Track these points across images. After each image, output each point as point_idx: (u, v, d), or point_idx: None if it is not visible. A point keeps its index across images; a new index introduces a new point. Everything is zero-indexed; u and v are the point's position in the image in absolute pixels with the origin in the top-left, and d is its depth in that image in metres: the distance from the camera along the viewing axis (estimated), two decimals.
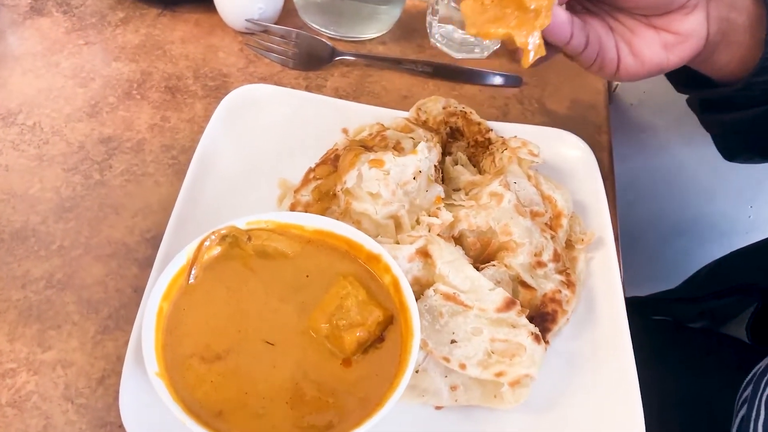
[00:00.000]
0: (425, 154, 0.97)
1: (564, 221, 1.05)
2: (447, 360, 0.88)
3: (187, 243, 0.97)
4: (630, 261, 1.16)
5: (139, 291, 1.00)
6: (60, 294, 0.98)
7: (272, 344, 0.82)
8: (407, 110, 1.28)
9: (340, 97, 1.30)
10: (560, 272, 1.00)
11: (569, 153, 1.17)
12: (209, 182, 1.08)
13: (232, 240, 0.89)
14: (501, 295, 0.89)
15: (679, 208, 1.65)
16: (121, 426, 0.87)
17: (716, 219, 1.65)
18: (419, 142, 1.05)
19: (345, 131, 1.18)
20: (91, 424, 0.88)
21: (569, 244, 1.06)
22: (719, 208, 1.62)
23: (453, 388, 0.91)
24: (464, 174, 1.09)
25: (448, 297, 0.89)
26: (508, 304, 0.88)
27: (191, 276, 0.86)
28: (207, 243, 0.87)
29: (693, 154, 1.56)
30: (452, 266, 0.90)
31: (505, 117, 1.31)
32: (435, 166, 1.02)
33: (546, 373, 0.91)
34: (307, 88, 1.31)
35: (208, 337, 0.82)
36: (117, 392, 0.89)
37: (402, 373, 0.80)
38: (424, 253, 0.92)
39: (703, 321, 1.51)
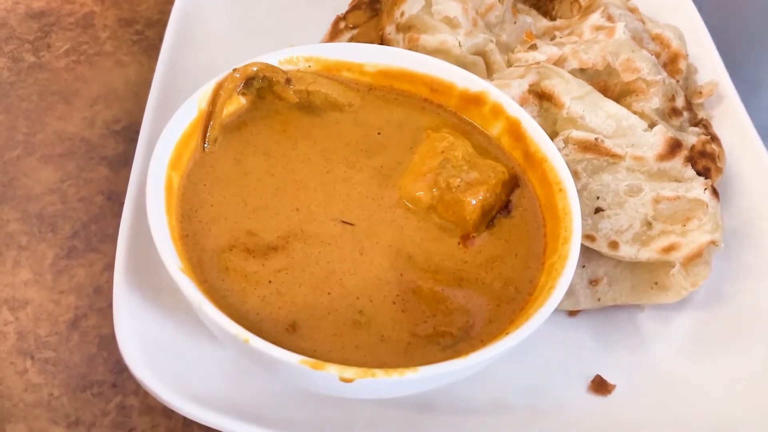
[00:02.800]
0: None
1: (683, 65, 0.79)
2: (591, 238, 0.61)
3: None
4: None
5: (114, 198, 0.69)
6: None
7: (351, 224, 0.53)
8: None
9: None
10: (695, 124, 0.74)
11: None
12: (194, 58, 0.77)
13: (263, 84, 0.58)
14: (662, 135, 0.62)
15: None
16: (114, 385, 0.56)
17: None
18: None
19: None
20: (68, 386, 0.56)
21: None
22: None
23: (593, 282, 0.64)
24: (540, 20, 0.81)
25: (587, 146, 0.61)
26: (673, 148, 0.62)
27: (207, 138, 0.56)
28: (227, 87, 0.56)
29: None
30: (586, 102, 0.62)
31: None
32: None
33: None
34: None
35: (250, 220, 0.52)
36: (100, 337, 0.59)
37: (560, 242, 0.52)
38: (540, 94, 0.64)
39: None
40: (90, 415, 0.55)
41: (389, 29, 0.71)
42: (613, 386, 0.60)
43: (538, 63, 0.65)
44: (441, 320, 0.49)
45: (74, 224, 0.66)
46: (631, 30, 0.77)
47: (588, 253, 0.63)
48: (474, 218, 0.53)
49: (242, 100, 0.58)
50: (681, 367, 0.63)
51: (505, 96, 0.60)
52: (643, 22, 0.81)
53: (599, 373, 0.61)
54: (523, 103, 0.63)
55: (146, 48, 0.83)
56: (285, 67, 0.60)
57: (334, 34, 0.76)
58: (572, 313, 0.65)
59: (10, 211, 0.66)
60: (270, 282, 0.49)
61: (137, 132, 0.68)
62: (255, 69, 0.57)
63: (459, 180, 0.54)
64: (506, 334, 0.47)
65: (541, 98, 0.64)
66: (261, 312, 0.47)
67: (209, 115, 0.56)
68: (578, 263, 0.62)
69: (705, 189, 0.61)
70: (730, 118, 0.80)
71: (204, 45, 0.78)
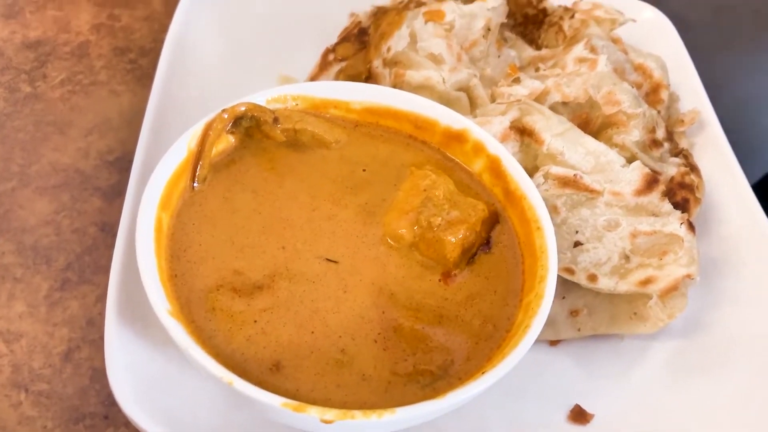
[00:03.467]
0: (496, 1, 0.71)
1: (664, 95, 0.81)
2: (570, 272, 0.63)
3: None
4: None
5: (107, 229, 0.71)
6: None
7: (335, 261, 0.55)
8: None
9: None
10: (676, 154, 0.76)
11: (641, 22, 0.93)
12: (186, 89, 0.79)
13: (252, 123, 0.60)
14: (639, 171, 0.64)
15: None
16: (106, 417, 0.58)
17: None
18: None
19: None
20: (61, 419, 0.58)
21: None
22: None
23: (573, 313, 0.66)
24: (526, 50, 0.83)
25: (566, 182, 0.63)
26: (650, 184, 0.64)
27: (196, 178, 0.57)
28: (217, 126, 0.58)
29: None
30: (566, 139, 0.64)
31: None
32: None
33: None
34: None
35: (237, 260, 0.54)
36: (93, 369, 0.60)
37: (537, 280, 0.54)
38: (521, 129, 0.66)
39: None
40: None
41: (377, 63, 0.73)
42: (592, 415, 0.62)
43: (520, 100, 0.67)
44: (421, 358, 0.51)
45: (68, 256, 0.68)
46: (614, 62, 0.79)
47: (568, 285, 0.65)
48: (454, 256, 0.55)
49: (231, 139, 0.60)
50: (659, 395, 0.65)
51: (486, 134, 0.61)
52: (626, 53, 0.83)
53: (579, 402, 0.62)
54: (504, 139, 0.65)
55: (140, 77, 0.85)
56: (273, 106, 0.62)
57: (323, 66, 0.77)
58: (553, 343, 0.67)
59: (5, 243, 0.68)
60: (255, 321, 0.51)
61: (130, 162, 0.70)
62: (243, 109, 0.59)
63: (440, 219, 0.56)
64: (483, 372, 0.49)
65: (522, 134, 0.66)
66: (246, 352, 0.49)
67: (199, 154, 0.57)
68: (558, 294, 0.64)
69: (681, 224, 0.63)
70: (712, 147, 0.82)
71: (197, 74, 0.80)
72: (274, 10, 0.88)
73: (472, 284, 0.55)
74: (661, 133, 0.75)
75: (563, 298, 0.66)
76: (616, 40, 0.82)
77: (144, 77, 0.84)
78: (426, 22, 0.68)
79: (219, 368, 0.45)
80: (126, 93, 0.82)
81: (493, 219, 0.59)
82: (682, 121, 0.83)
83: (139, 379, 0.54)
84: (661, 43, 0.92)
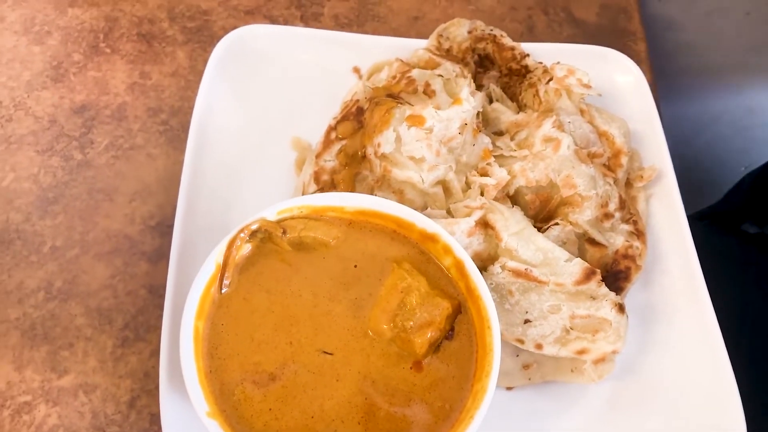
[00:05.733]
0: (471, 103, 0.83)
1: (624, 160, 0.93)
2: (521, 342, 0.79)
3: (200, 230, 0.84)
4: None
5: (154, 291, 0.87)
6: (64, 306, 0.85)
7: (330, 354, 0.72)
8: (421, 33, 1.12)
9: (342, 25, 1.13)
10: (626, 221, 0.89)
11: (616, 75, 1.03)
12: (213, 156, 0.93)
13: (265, 235, 0.75)
14: (579, 266, 0.78)
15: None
16: None
17: (743, 115, 1.55)
18: (451, 88, 0.90)
19: (357, 70, 1.02)
20: None
21: (627, 183, 0.95)
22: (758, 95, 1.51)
23: (525, 367, 0.82)
24: (505, 113, 0.95)
25: (518, 273, 0.78)
26: (588, 275, 0.78)
27: (224, 284, 0.74)
28: (237, 243, 0.74)
29: (723, 46, 1.42)
30: (520, 237, 0.78)
31: (530, 32, 1.16)
32: (478, 111, 0.88)
33: None
34: (302, 19, 1.13)
35: (256, 354, 0.71)
36: (152, 415, 0.79)
37: (486, 372, 0.70)
38: (485, 224, 0.80)
39: None
40: None
41: (370, 150, 0.86)
42: None
43: (484, 205, 0.80)
44: None
45: (125, 316, 0.86)
46: (579, 135, 0.90)
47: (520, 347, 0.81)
48: (422, 352, 0.71)
49: (248, 247, 0.76)
50: (596, 428, 0.82)
51: (453, 240, 0.75)
52: (593, 120, 0.94)
53: None
54: (471, 234, 0.80)
55: (171, 139, 0.98)
56: (281, 216, 0.77)
57: (326, 144, 0.91)
58: (509, 388, 0.84)
59: (76, 306, 0.86)
60: (270, 410, 0.68)
61: (169, 227, 0.86)
62: (256, 227, 0.74)
63: (411, 323, 0.72)
64: None
65: (486, 227, 0.80)
66: None
67: (224, 267, 0.73)
68: (513, 353, 0.81)
69: (612, 308, 0.78)
70: (666, 200, 0.95)
71: (220, 142, 0.94)
72: (285, 75, 1.00)
73: (436, 370, 0.72)
74: (613, 206, 0.88)
75: (517, 356, 0.82)
76: (583, 111, 0.93)
77: (175, 139, 0.98)
78: (409, 128, 0.81)
79: None
80: (161, 156, 0.97)
81: (456, 311, 0.75)
82: (641, 176, 0.96)
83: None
84: (634, 96, 1.03)
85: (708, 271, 1.34)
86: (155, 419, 0.78)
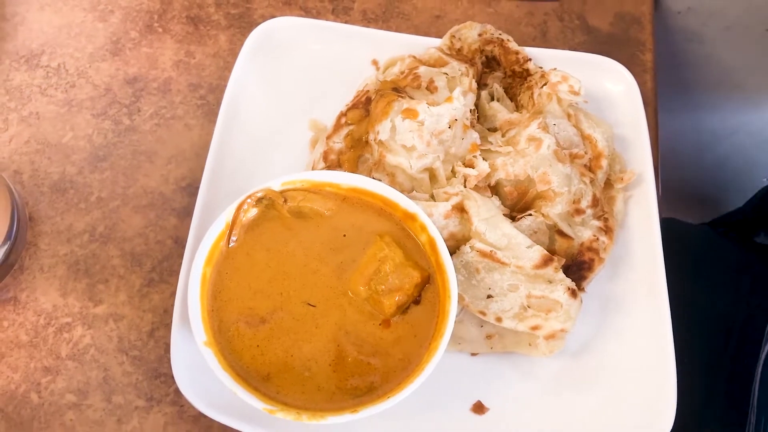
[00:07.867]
0: (461, 102, 0.94)
1: (604, 162, 1.02)
2: (483, 314, 0.90)
3: (222, 194, 0.98)
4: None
5: (179, 242, 1.02)
6: (104, 248, 1.01)
7: (313, 306, 0.85)
8: (440, 31, 1.22)
9: (369, 20, 1.24)
10: (598, 218, 0.99)
11: (611, 83, 1.12)
12: (240, 130, 1.06)
13: (269, 202, 0.89)
14: (538, 252, 0.89)
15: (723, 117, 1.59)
16: (173, 376, 0.92)
17: (763, 127, 1.59)
18: (454, 85, 1.01)
19: (375, 63, 1.14)
20: (147, 375, 0.93)
21: (608, 183, 1.04)
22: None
23: (489, 337, 0.94)
24: (501, 112, 1.05)
25: (484, 254, 0.89)
26: (546, 261, 0.89)
27: (231, 239, 0.87)
28: (245, 206, 0.87)
29: (742, 61, 1.47)
30: (489, 223, 0.89)
31: (543, 37, 1.25)
32: (471, 109, 0.98)
33: (580, 317, 0.91)
34: (333, 12, 1.25)
35: (251, 300, 0.85)
36: (167, 344, 0.94)
37: (440, 334, 0.82)
38: (461, 209, 0.91)
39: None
40: (158, 393, 0.93)
41: (371, 136, 0.98)
42: (488, 409, 0.92)
43: (461, 192, 0.91)
44: (358, 379, 0.81)
45: (153, 261, 1.01)
46: (564, 138, 1.00)
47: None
48: (390, 312, 0.83)
49: (255, 210, 0.89)
50: (544, 399, 0.92)
51: (429, 220, 0.87)
52: (579, 124, 1.03)
53: (480, 398, 0.92)
54: (447, 216, 0.91)
55: (207, 112, 1.12)
56: (285, 187, 0.90)
57: (337, 127, 1.03)
58: (474, 354, 0.95)
59: (113, 249, 1.01)
60: (257, 346, 0.82)
61: (197, 188, 1.00)
62: (261, 194, 0.88)
63: (383, 287, 0.84)
64: (393, 394, 0.79)
65: (462, 212, 0.91)
66: (250, 366, 0.81)
67: (232, 225, 0.87)
68: (477, 323, 0.93)
69: (564, 292, 0.88)
70: (643, 202, 1.04)
71: (246, 121, 1.06)
72: (308, 63, 1.12)
73: (401, 329, 0.84)
74: (585, 203, 0.97)
75: (481, 326, 0.94)
76: (570, 116, 1.03)
77: (210, 113, 1.12)
78: (404, 119, 0.92)
79: (231, 382, 0.78)
80: (196, 127, 1.11)
81: (425, 281, 0.86)
82: (621, 179, 1.05)
83: (190, 367, 0.87)
84: (626, 99, 1.11)
85: (707, 276, 1.43)
86: (169, 348, 0.93)
